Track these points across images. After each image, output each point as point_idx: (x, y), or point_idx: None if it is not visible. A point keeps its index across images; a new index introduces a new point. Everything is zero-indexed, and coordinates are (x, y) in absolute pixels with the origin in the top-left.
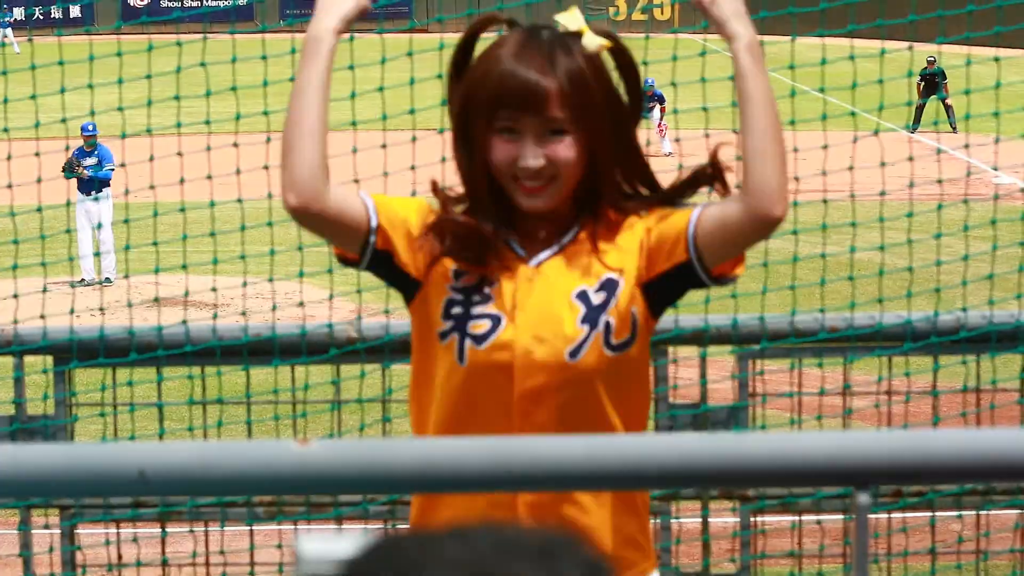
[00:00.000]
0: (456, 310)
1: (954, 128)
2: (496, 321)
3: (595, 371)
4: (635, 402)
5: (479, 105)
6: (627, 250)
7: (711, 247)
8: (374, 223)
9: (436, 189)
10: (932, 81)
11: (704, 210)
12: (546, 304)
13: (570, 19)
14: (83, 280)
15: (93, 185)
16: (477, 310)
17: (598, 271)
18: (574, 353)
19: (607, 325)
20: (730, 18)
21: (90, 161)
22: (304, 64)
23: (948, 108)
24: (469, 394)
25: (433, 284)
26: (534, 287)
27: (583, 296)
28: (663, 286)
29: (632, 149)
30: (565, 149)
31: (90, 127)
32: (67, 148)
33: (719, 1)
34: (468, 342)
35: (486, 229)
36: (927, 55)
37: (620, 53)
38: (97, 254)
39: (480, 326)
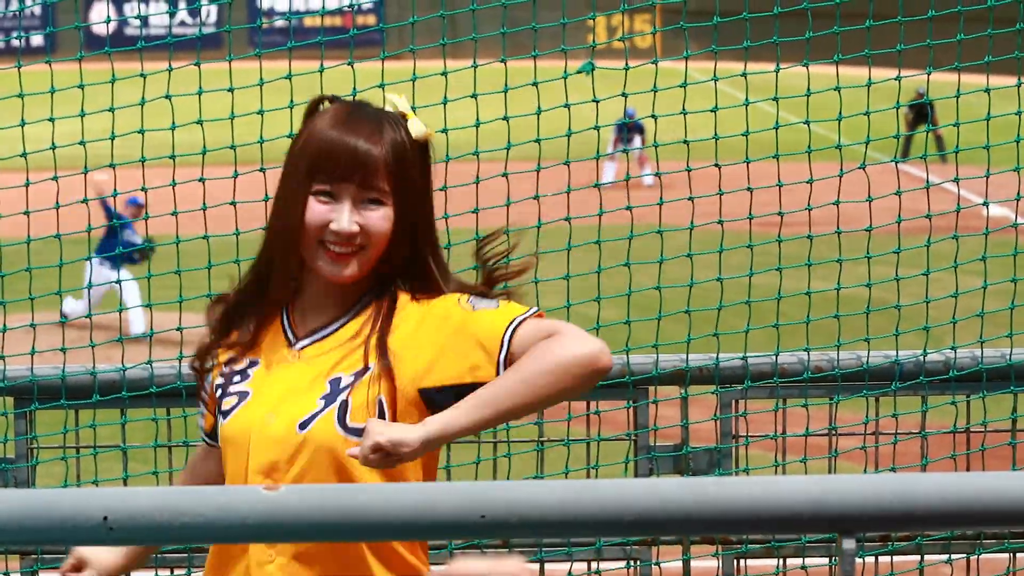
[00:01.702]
0: (219, 392)
1: (944, 159)
2: (243, 397)
3: (327, 447)
4: None
5: (300, 165)
6: (402, 342)
7: None
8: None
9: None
10: (921, 112)
11: (521, 333)
12: (295, 383)
13: (400, 101)
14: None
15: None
16: (232, 388)
17: (359, 359)
18: (304, 424)
19: (343, 404)
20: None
21: (128, 233)
22: None
23: (938, 139)
24: (224, 470)
25: (215, 377)
26: (291, 368)
27: (336, 381)
28: (455, 391)
29: (433, 234)
30: (381, 220)
31: (139, 200)
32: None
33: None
34: (219, 418)
35: (265, 305)
36: (917, 86)
37: (426, 150)
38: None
39: (229, 402)
